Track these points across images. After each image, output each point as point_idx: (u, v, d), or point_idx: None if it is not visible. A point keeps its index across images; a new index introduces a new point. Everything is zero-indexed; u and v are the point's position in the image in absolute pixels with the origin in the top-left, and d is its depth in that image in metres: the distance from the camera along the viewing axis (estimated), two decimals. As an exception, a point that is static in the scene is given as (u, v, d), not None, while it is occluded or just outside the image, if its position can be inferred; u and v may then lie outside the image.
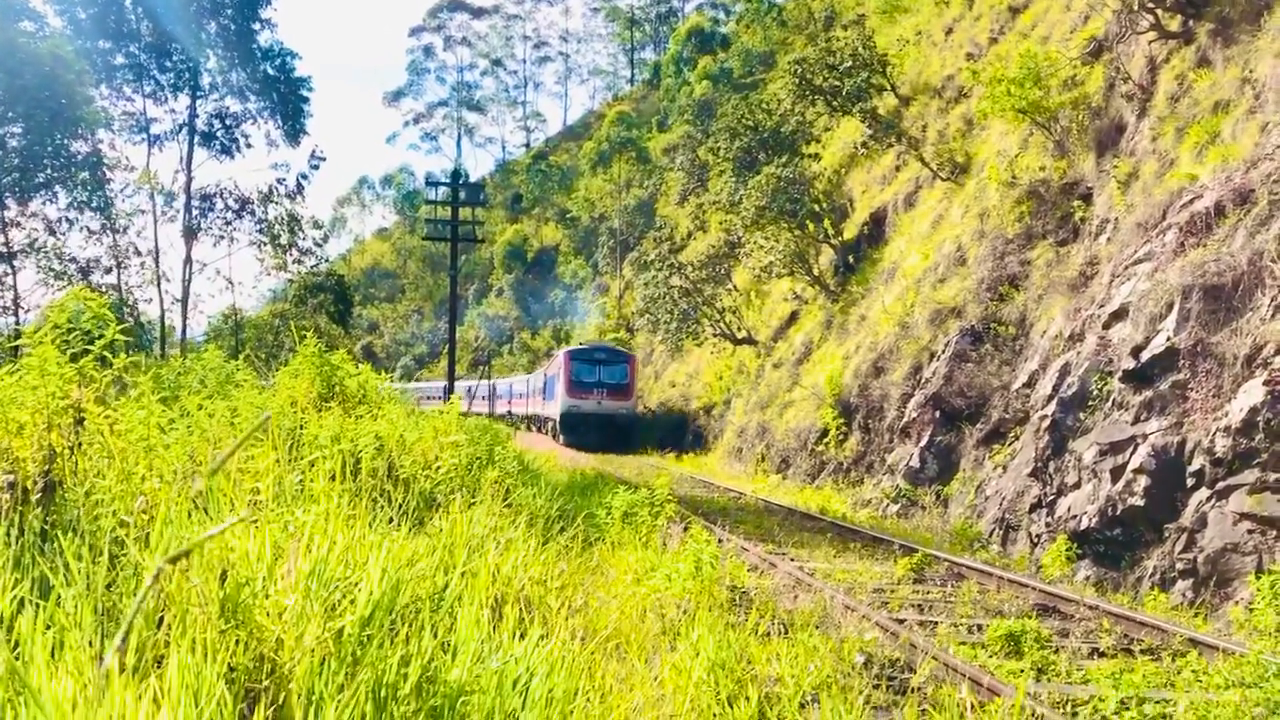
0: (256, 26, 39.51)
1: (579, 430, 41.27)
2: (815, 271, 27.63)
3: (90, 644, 3.62)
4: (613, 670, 5.26)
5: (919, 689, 5.97)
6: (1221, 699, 6.25)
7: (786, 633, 6.82)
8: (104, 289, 31.30)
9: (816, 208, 27.42)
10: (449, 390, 31.21)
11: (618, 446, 40.37)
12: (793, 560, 10.92)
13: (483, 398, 66.52)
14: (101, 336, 7.00)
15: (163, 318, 37.23)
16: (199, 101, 38.57)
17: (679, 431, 40.12)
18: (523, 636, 4.72)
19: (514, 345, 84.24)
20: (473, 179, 48.28)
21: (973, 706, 5.20)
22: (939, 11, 32.89)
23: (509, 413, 63.35)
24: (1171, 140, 14.59)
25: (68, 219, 30.97)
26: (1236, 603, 9.15)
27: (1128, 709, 6.18)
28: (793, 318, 30.96)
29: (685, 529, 11.06)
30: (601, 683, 4.90)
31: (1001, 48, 23.82)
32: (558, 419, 43.29)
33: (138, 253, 35.88)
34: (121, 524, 4.58)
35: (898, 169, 27.65)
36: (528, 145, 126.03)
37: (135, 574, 4.21)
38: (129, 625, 1.40)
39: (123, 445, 5.75)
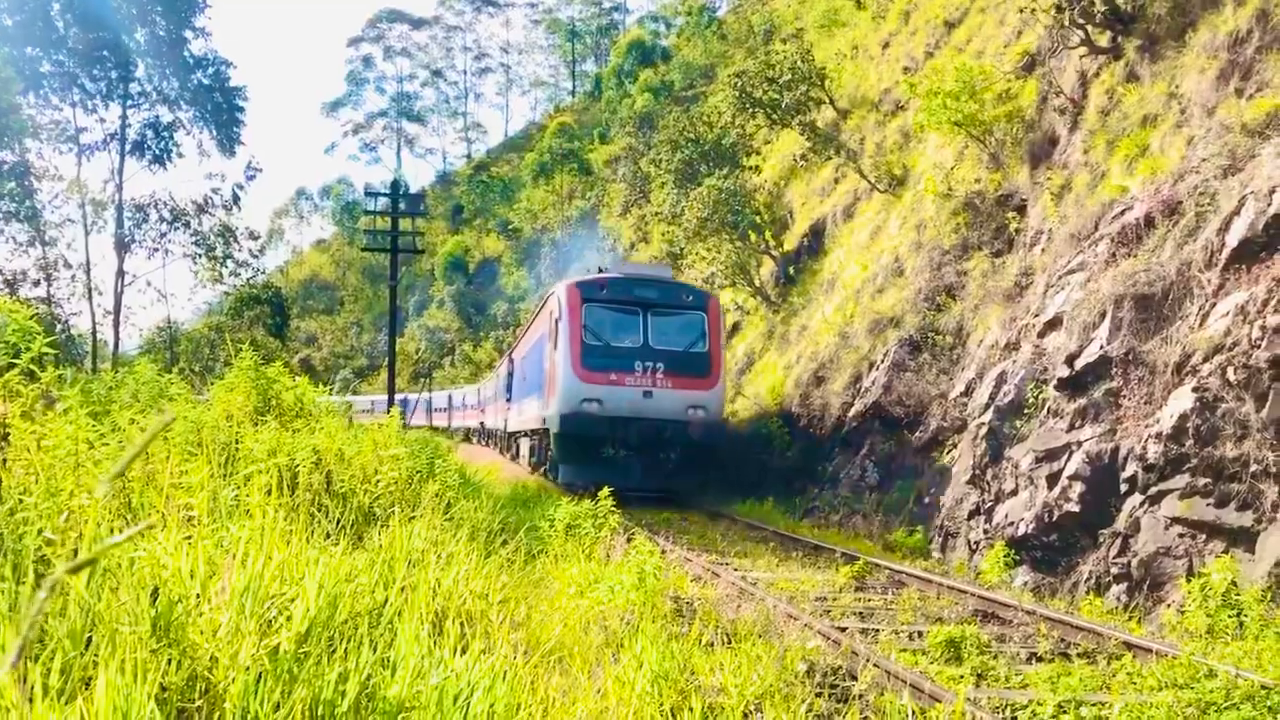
0: (189, 35, 38.93)
1: (594, 455, 18.97)
2: (756, 282, 27.80)
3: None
4: (556, 683, 5.22)
5: (861, 696, 6.00)
6: (1155, 700, 6.36)
7: (730, 643, 6.82)
8: (32, 302, 30.57)
9: (757, 219, 27.61)
10: (391, 403, 30.88)
11: (683, 494, 20.47)
12: (736, 570, 10.94)
13: (440, 409, 60.27)
14: (28, 350, 6.82)
15: (94, 331, 36.48)
16: (130, 111, 37.91)
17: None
18: (464, 651, 4.67)
19: (455, 357, 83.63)
20: (413, 190, 47.89)
21: (914, 713, 5.23)
22: (876, 26, 33.34)
23: (454, 427, 55.65)
24: (1102, 153, 14.91)
25: (-7, 230, 30.29)
26: (1169, 605, 9.33)
27: (1065, 712, 6.26)
28: (735, 328, 31.12)
29: (629, 540, 11.04)
30: (544, 696, 4.86)
31: (937, 62, 24.19)
32: (551, 431, 20.03)
33: (68, 265, 35.15)
34: (47, 542, 4.45)
35: (836, 181, 27.95)
36: (469, 156, 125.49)
37: (61, 593, 4.09)
38: (24, 638, 1.34)
39: (50, 461, 5.60)
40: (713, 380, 19.59)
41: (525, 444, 27.68)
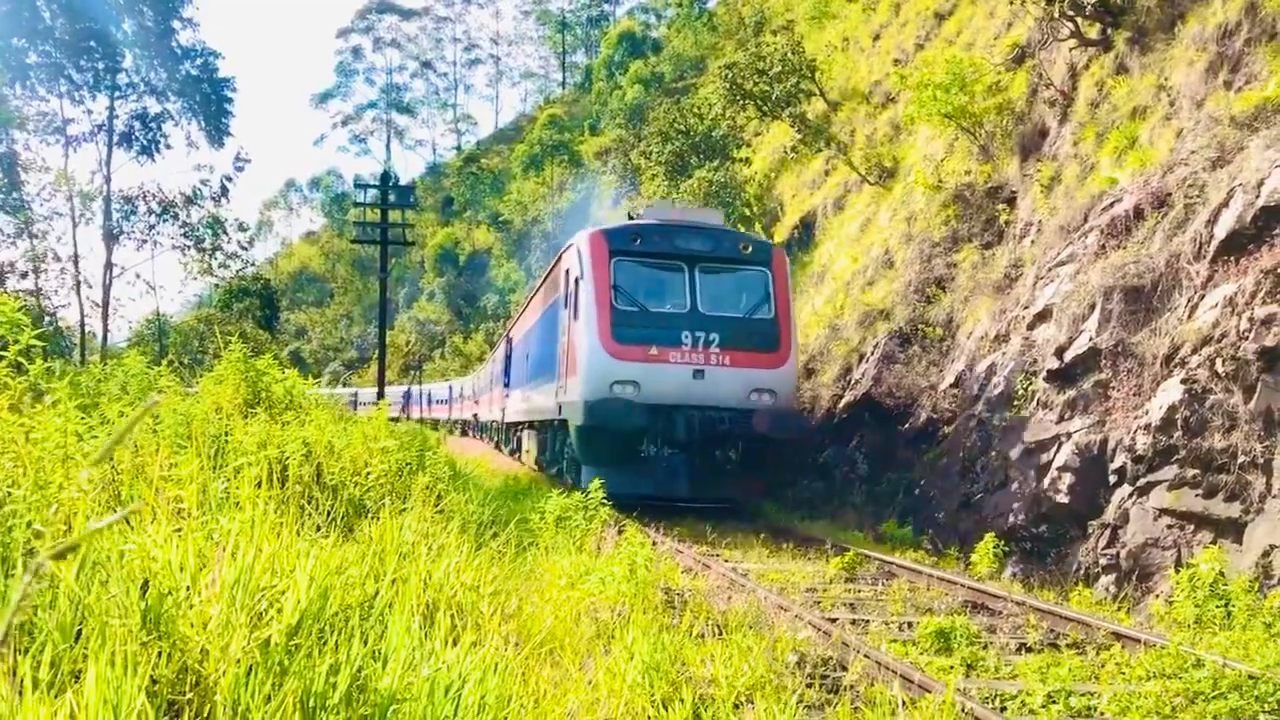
0: (177, 25, 38.75)
1: (628, 454, 15.13)
2: (747, 274, 27.79)
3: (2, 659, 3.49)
4: (547, 675, 5.23)
5: (851, 687, 6.02)
6: (1143, 690, 6.40)
7: (721, 634, 6.83)
8: (21, 294, 30.45)
9: (748, 211, 27.62)
10: (381, 395, 30.78)
11: (743, 505, 16.34)
12: (726, 561, 10.96)
13: (441, 401, 58.40)
14: (16, 342, 6.79)
15: (83, 323, 36.35)
16: (118, 102, 37.73)
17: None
18: (455, 643, 4.67)
19: (446, 350, 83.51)
20: (403, 181, 47.82)
21: (904, 703, 5.25)
22: (866, 18, 33.34)
23: (448, 420, 53.86)
24: (1092, 145, 14.94)
25: (-20, 222, 30.17)
26: (1157, 596, 9.38)
27: (1054, 702, 6.29)
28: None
29: (619, 532, 11.05)
30: (535, 688, 4.87)
31: (928, 54, 24.20)
32: (571, 423, 16.01)
33: (56, 257, 35.00)
34: (36, 535, 4.43)
35: (827, 173, 27.96)
36: (459, 148, 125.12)
37: (51, 585, 4.08)
38: (9, 623, 1.34)
39: (38, 454, 5.58)
40: (782, 355, 15.49)
41: (530, 439, 23.56)
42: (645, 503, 14.58)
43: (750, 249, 16.20)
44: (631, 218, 17.55)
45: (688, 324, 15.26)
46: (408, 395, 66.87)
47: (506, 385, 28.50)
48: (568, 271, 16.87)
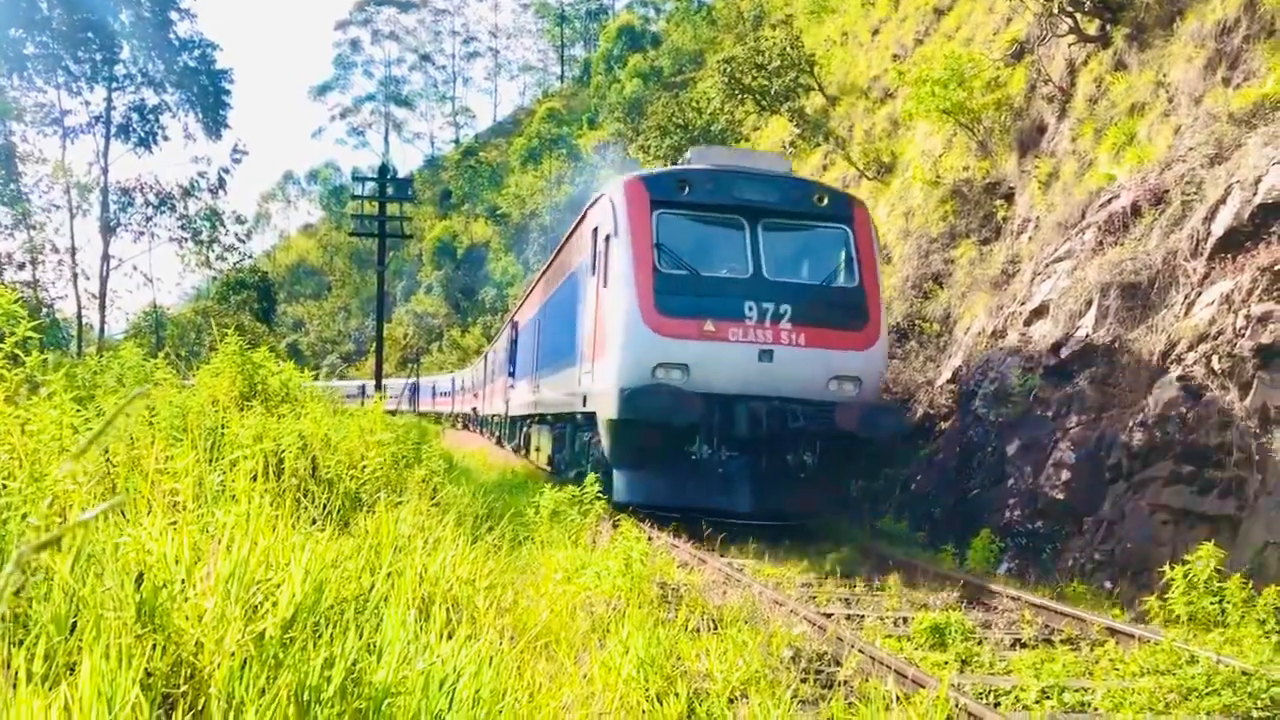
0: (175, 16, 38.72)
1: (673, 457, 12.28)
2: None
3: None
4: (542, 669, 5.23)
5: (846, 682, 6.03)
6: (1137, 686, 6.42)
7: (716, 628, 6.84)
8: (18, 286, 30.40)
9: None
10: (379, 387, 30.71)
11: (813, 523, 13.45)
12: (722, 556, 10.97)
13: (445, 394, 57.37)
14: (12, 334, 6.79)
15: (79, 315, 36.36)
16: (115, 93, 37.73)
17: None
18: (450, 637, 4.67)
19: (443, 343, 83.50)
20: (401, 174, 47.62)
21: (898, 699, 5.26)
22: (865, 13, 33.29)
23: (446, 414, 52.89)
24: (1090, 141, 14.94)
25: (-23, 214, 30.17)
26: (1152, 592, 9.40)
27: (1048, 698, 6.31)
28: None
29: (615, 526, 11.06)
30: (531, 681, 4.87)
31: (926, 49, 24.18)
32: (601, 416, 13.01)
33: (54, 249, 35.00)
34: (31, 528, 4.43)
35: (825, 168, 27.95)
36: (457, 141, 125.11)
37: (46, 578, 4.08)
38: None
39: (34, 446, 5.58)
40: (870, 334, 12.68)
41: (542, 435, 20.42)
42: (691, 517, 12.21)
43: (826, 201, 13.12)
44: (685, 159, 14.46)
45: (751, 292, 12.33)
46: (415, 388, 66.69)
47: (512, 375, 25.81)
48: (596, 230, 13.97)
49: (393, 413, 20.68)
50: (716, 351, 12.10)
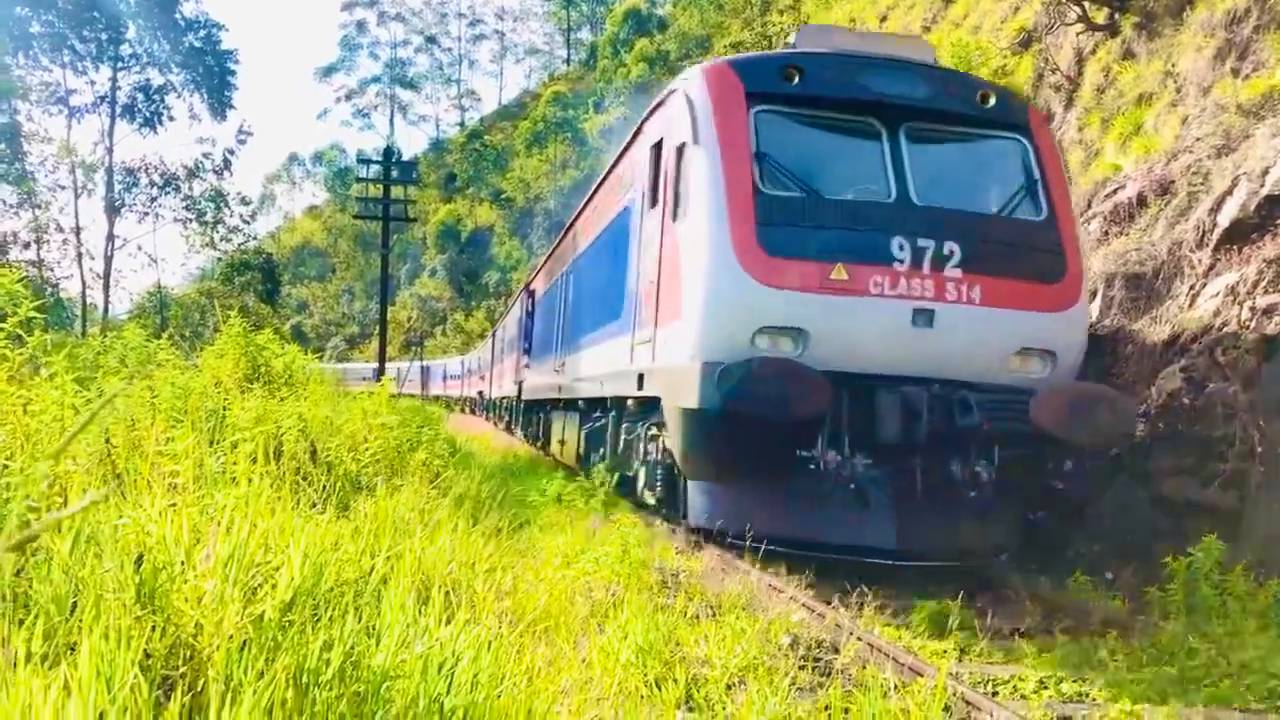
0: (181, -4, 38.57)
1: (781, 467, 8.30)
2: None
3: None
4: (541, 653, 5.24)
5: (844, 670, 6.04)
6: (1136, 677, 6.42)
7: (715, 615, 6.85)
8: (23, 265, 30.46)
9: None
10: (382, 371, 30.73)
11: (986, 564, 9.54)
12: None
13: (455, 377, 55.60)
14: (15, 313, 6.80)
15: (84, 295, 36.42)
16: (120, 73, 37.69)
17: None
18: (449, 621, 4.68)
19: (447, 327, 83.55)
20: (406, 157, 47.31)
21: (896, 687, 5.27)
22: (873, -1, 33.16)
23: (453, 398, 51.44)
24: (1097, 131, 14.88)
25: (-18, 192, 30.22)
26: (1153, 584, 9.40)
27: (1046, 688, 6.32)
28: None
29: (614, 510, 11.08)
30: (529, 666, 4.88)
31: (934, 37, 24.06)
32: (672, 406, 9.06)
33: (59, 229, 35.05)
34: (32, 509, 4.45)
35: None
36: (462, 124, 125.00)
37: (47, 559, 4.09)
38: None
39: (36, 426, 5.60)
40: (1069, 291, 9.24)
41: (566, 426, 16.43)
42: (803, 554, 8.58)
43: (994, 101, 9.54)
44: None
45: (899, 224, 8.64)
46: (426, 370, 66.46)
47: (526, 352, 22.10)
48: (659, 146, 10.27)
49: (402, 396, 20.60)
50: (850, 310, 8.41)
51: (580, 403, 14.88)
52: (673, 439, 9.31)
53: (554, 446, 18.34)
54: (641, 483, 11.27)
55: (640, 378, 10.27)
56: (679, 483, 9.80)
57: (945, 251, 8.58)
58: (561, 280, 18.08)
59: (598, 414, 13.74)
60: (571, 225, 18.05)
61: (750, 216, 8.48)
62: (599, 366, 12.88)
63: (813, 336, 8.44)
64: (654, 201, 10.30)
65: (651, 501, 9.56)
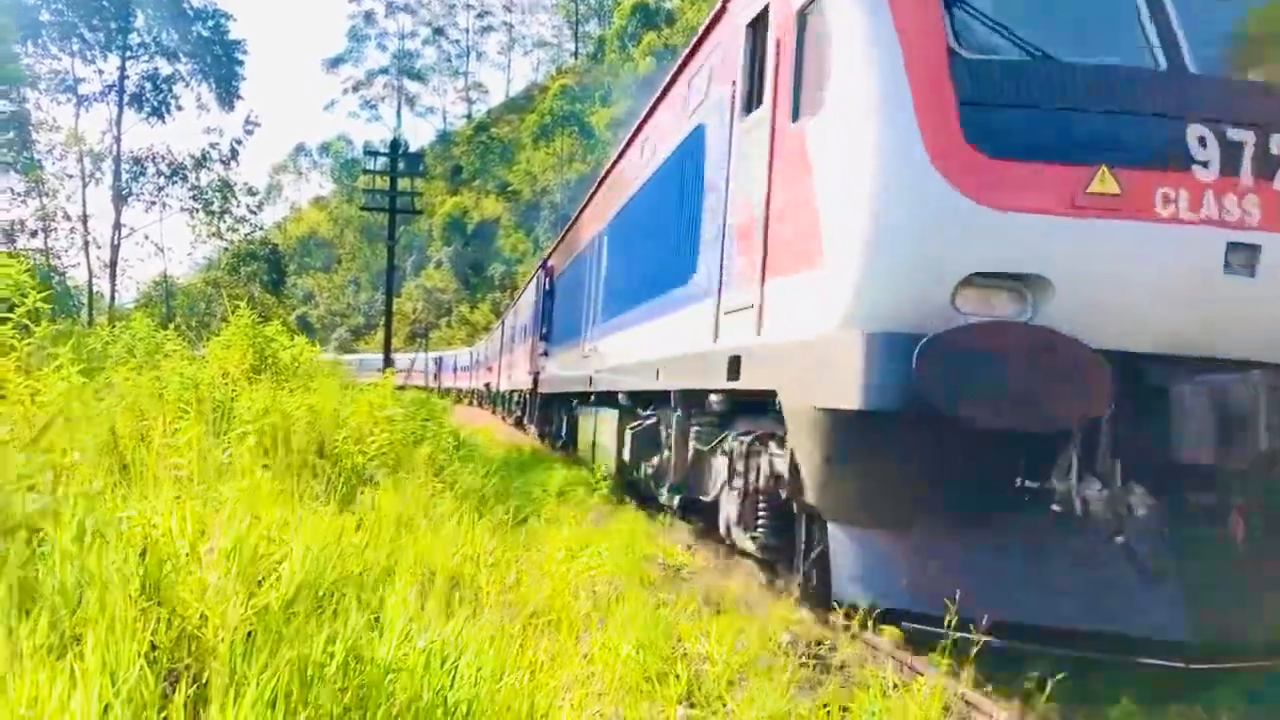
0: (190, -14, 38.61)
1: (978, 498, 5.03)
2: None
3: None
4: (544, 647, 5.27)
5: (844, 667, 6.05)
6: (1134, 676, 6.42)
7: (717, 611, 6.87)
8: (30, 253, 30.54)
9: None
10: (388, 362, 30.70)
11: None
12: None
13: (465, 368, 53.79)
14: (22, 304, 6.82)
15: (90, 284, 36.51)
16: (129, 62, 37.75)
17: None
18: (453, 614, 4.71)
19: (453, 319, 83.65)
20: (413, 149, 47.24)
21: (895, 685, 5.28)
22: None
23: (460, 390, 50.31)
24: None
25: (-10, 180, 30.29)
26: (1153, 583, 9.42)
27: (1044, 687, 6.32)
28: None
29: (620, 504, 11.10)
30: (532, 659, 4.91)
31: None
32: (816, 399, 5.48)
33: (66, 217, 35.12)
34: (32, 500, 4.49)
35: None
36: (469, 116, 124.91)
37: (53, 549, 4.12)
38: None
39: (44, 417, 5.62)
40: None
41: (601, 428, 13.05)
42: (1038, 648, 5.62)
43: None
44: None
45: (1191, 102, 5.22)
46: (439, 362, 66.29)
47: (545, 338, 19.05)
48: (758, 22, 7.27)
49: (405, 388, 20.60)
50: (1122, 244, 5.08)
51: (622, 397, 11.57)
52: (807, 459, 6.03)
53: (583, 451, 14.80)
54: (730, 517, 7.85)
55: (734, 362, 7.05)
56: (805, 526, 6.68)
57: (1275, 150, 5.16)
58: (594, 245, 14.61)
59: (649, 411, 10.49)
60: (606, 176, 14.71)
61: (947, 94, 5.21)
62: (653, 349, 9.75)
63: (1057, 290, 5.09)
64: (756, 101, 7.21)
65: (749, 547, 6.98)
